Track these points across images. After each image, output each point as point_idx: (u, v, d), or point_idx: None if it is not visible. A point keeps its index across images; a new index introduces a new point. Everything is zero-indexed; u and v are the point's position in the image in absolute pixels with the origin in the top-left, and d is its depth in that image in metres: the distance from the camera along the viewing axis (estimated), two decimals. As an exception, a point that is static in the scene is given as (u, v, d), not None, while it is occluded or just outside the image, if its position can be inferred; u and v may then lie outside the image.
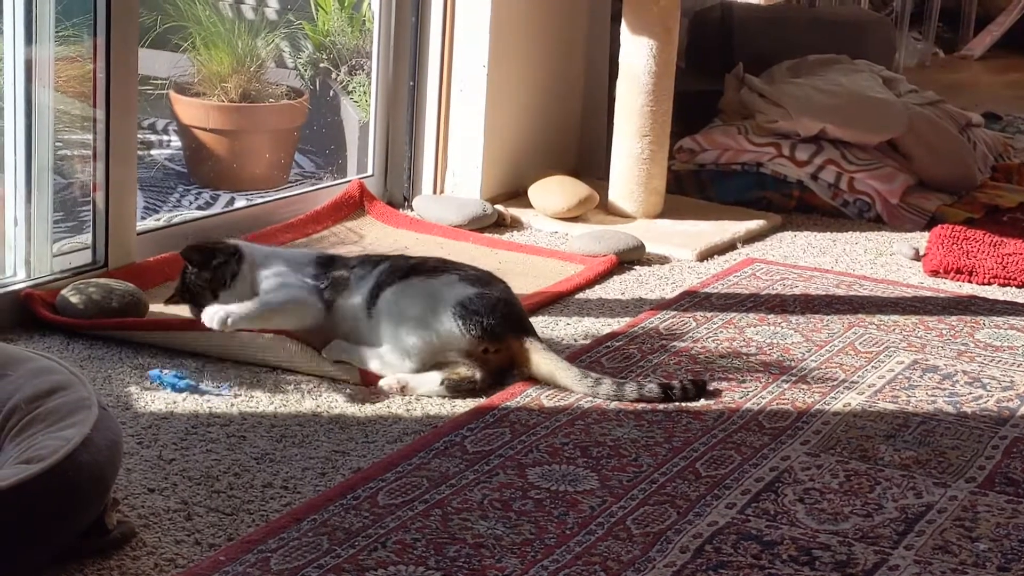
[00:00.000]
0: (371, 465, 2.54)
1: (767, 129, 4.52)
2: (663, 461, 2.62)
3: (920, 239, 4.19)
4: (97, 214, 3.25)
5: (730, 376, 3.05)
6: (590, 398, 2.87)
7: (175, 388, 2.81)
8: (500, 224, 4.11)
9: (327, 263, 3.04)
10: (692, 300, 3.54)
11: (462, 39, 4.15)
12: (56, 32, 3.10)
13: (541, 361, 2.92)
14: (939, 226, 4.20)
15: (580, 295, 3.58)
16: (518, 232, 4.08)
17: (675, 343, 3.23)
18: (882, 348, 3.28)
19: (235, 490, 2.43)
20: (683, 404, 2.87)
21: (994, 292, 3.79)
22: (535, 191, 4.21)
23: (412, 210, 4.17)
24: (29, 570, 2.07)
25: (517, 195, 4.30)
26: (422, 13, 4.15)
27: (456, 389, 2.87)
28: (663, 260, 3.91)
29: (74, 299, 3.05)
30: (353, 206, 4.06)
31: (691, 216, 4.24)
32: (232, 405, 2.77)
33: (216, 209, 4.27)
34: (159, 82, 4.53)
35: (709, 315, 3.43)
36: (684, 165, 4.54)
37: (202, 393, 2.81)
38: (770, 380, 3.04)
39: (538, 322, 3.27)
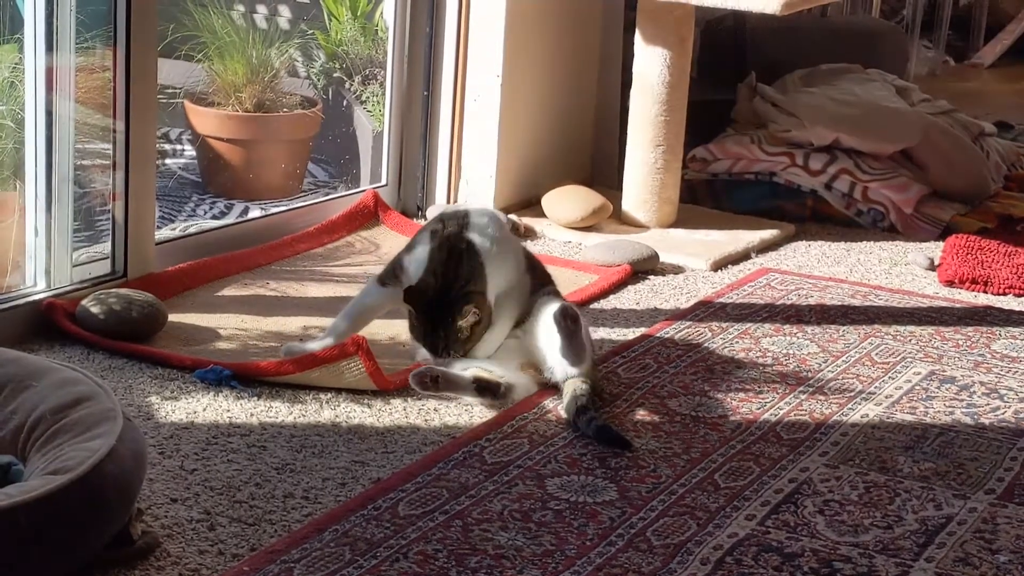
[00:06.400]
0: (391, 475, 2.55)
1: (780, 138, 4.52)
2: (681, 472, 2.63)
3: (935, 249, 4.19)
4: (116, 224, 3.27)
5: (747, 387, 3.06)
6: (608, 408, 2.89)
7: (218, 379, 2.89)
8: (514, 233, 4.11)
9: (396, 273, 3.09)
10: (707, 310, 3.55)
11: (476, 49, 4.16)
12: (76, 43, 3.11)
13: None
14: (954, 236, 4.20)
15: (595, 305, 3.59)
16: (532, 241, 4.09)
17: (691, 353, 3.24)
18: (899, 359, 3.28)
19: (257, 500, 2.43)
20: (697, 415, 2.89)
21: (1009, 303, 3.79)
22: (549, 200, 4.22)
23: (426, 219, 4.17)
24: (54, 581, 2.09)
25: (531, 204, 4.31)
26: (436, 23, 4.16)
27: (483, 392, 2.87)
28: (677, 270, 3.92)
29: (94, 309, 3.06)
30: (368, 216, 4.07)
31: (705, 226, 4.25)
32: (252, 415, 2.78)
33: (230, 219, 4.29)
34: (171, 91, 4.54)
35: (724, 325, 3.43)
36: (697, 175, 4.54)
37: (232, 388, 2.87)
38: (787, 391, 3.05)
39: (554, 332, 3.28)
